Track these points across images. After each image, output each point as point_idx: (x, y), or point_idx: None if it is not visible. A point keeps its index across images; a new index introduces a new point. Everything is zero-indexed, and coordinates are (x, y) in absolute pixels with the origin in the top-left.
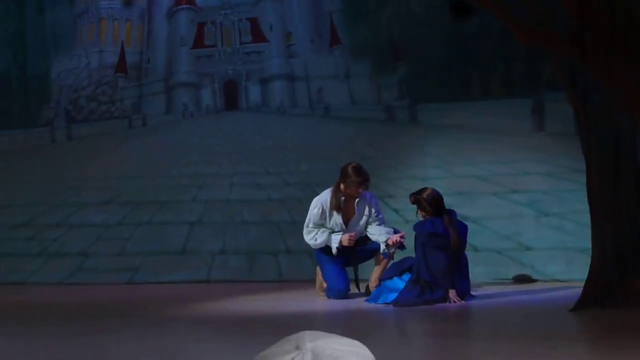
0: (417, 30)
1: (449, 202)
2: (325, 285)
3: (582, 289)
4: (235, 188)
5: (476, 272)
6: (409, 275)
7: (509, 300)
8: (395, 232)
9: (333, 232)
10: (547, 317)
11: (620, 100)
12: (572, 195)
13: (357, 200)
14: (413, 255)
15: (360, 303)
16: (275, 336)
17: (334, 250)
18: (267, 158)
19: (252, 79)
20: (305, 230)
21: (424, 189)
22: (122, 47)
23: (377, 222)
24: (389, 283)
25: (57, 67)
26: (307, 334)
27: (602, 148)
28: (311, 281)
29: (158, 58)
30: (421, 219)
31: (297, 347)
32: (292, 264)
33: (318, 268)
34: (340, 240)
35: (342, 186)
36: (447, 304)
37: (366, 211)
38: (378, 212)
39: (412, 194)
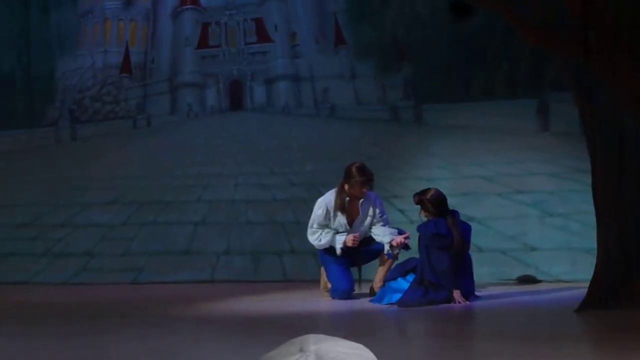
0: (422, 30)
1: (453, 202)
2: (329, 285)
3: (586, 289)
4: (240, 188)
5: (481, 272)
6: (413, 275)
7: (513, 300)
8: (400, 232)
9: (337, 232)
10: (552, 317)
11: (625, 99)
12: (577, 195)
13: (361, 200)
14: (417, 255)
15: (364, 303)
16: (279, 336)
17: (338, 251)
18: (272, 158)
19: (257, 79)
20: (309, 231)
21: (427, 190)
22: (127, 47)
23: (381, 223)
24: (393, 284)
25: (61, 67)
26: (311, 337)
27: (606, 147)
28: (316, 281)
29: (162, 58)
30: (424, 219)
31: (301, 350)
32: (296, 264)
33: (322, 268)
34: (345, 241)
35: (346, 187)
36: (452, 304)
37: (370, 212)
38: (382, 213)
39: (416, 195)
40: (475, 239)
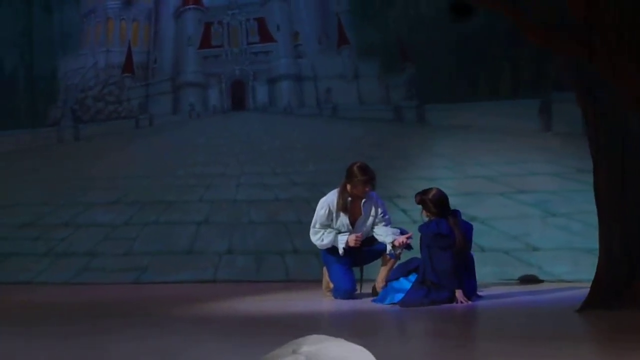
0: (425, 31)
1: (456, 202)
2: (331, 285)
3: (588, 289)
4: (242, 188)
5: (483, 272)
6: (416, 275)
7: (515, 300)
8: (402, 232)
9: (340, 232)
10: (554, 317)
11: (627, 100)
12: (580, 195)
13: (363, 200)
14: (419, 255)
15: (366, 303)
16: (281, 337)
17: (341, 251)
18: (275, 158)
19: (259, 79)
20: (312, 231)
21: (429, 190)
22: (129, 47)
23: (383, 223)
24: (395, 284)
25: (64, 66)
26: (310, 338)
27: (609, 148)
28: (318, 281)
29: (165, 58)
30: (426, 219)
31: (293, 351)
32: (299, 264)
33: (325, 268)
34: (347, 241)
35: (348, 186)
36: (454, 304)
37: (372, 212)
38: (384, 213)
39: (418, 194)
40: (478, 239)
